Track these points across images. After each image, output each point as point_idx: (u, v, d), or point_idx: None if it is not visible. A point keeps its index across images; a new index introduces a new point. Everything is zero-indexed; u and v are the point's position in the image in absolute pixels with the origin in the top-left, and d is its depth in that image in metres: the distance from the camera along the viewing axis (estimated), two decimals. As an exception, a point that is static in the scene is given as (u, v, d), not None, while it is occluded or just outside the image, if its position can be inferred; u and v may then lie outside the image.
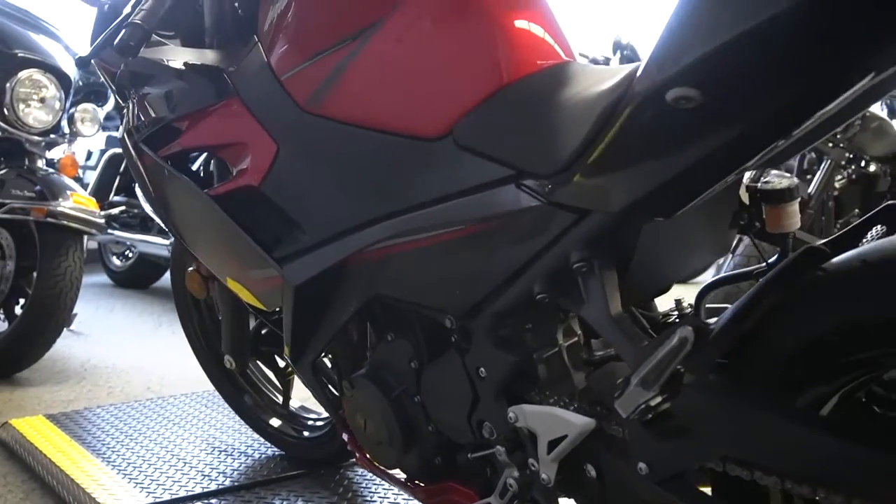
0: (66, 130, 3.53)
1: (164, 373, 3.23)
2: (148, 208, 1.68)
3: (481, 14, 1.25)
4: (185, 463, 2.13)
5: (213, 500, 1.93)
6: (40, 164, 3.35)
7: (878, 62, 0.80)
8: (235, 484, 2.01)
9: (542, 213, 1.11)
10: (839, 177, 4.51)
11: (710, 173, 0.96)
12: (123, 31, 1.33)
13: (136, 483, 2.00)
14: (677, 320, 1.29)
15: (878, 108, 4.51)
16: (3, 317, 3.22)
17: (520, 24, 1.26)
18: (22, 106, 3.24)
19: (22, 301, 3.17)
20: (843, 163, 4.42)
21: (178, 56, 1.51)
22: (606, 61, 5.46)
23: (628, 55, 5.36)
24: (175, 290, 2.18)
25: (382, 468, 1.55)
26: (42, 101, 3.28)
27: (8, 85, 3.20)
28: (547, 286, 1.15)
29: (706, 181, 0.98)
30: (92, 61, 1.58)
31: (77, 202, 3.08)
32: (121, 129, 1.67)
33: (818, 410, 0.99)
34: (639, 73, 0.95)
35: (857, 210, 4.62)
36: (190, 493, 1.95)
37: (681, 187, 0.98)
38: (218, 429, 2.38)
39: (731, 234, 1.22)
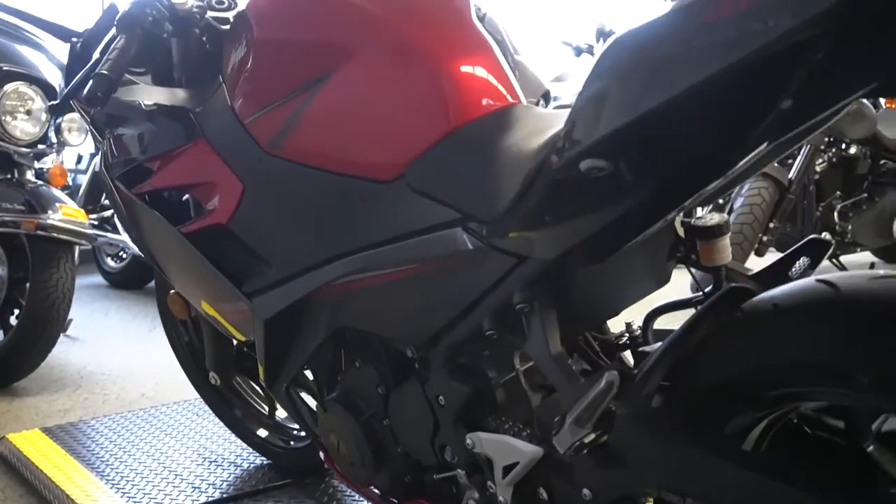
0: (54, 140, 3.57)
1: (158, 377, 3.30)
2: (127, 239, 1.75)
3: (429, 61, 1.31)
4: (176, 475, 2.20)
5: (203, 513, 2.01)
6: (29, 174, 3.40)
7: (769, 134, 0.86)
8: (224, 496, 2.08)
9: (485, 256, 1.17)
10: (819, 160, 4.56)
11: (633, 225, 1.02)
12: (91, 81, 1.38)
13: (129, 497, 2.07)
14: (627, 342, 1.37)
15: (857, 92, 4.54)
16: (-2, 328, 3.29)
17: (466, 68, 1.32)
18: (8, 118, 3.29)
19: (17, 311, 3.23)
20: (822, 147, 4.47)
21: (148, 96, 1.57)
22: (590, 49, 5.50)
23: (612, 41, 5.38)
24: (160, 309, 2.24)
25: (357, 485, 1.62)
26: (28, 112, 3.32)
27: (-7, 98, 3.26)
28: (494, 323, 1.22)
29: (633, 231, 1.04)
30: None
31: (66, 214, 3.14)
32: (98, 162, 1.73)
33: (747, 435, 1.06)
34: (558, 141, 1.01)
35: (838, 193, 4.68)
36: (181, 506, 2.03)
37: (609, 237, 1.04)
38: (208, 438, 2.46)
39: (670, 264, 1.29)
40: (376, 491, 1.60)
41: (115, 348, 3.77)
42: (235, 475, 2.22)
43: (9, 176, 3.42)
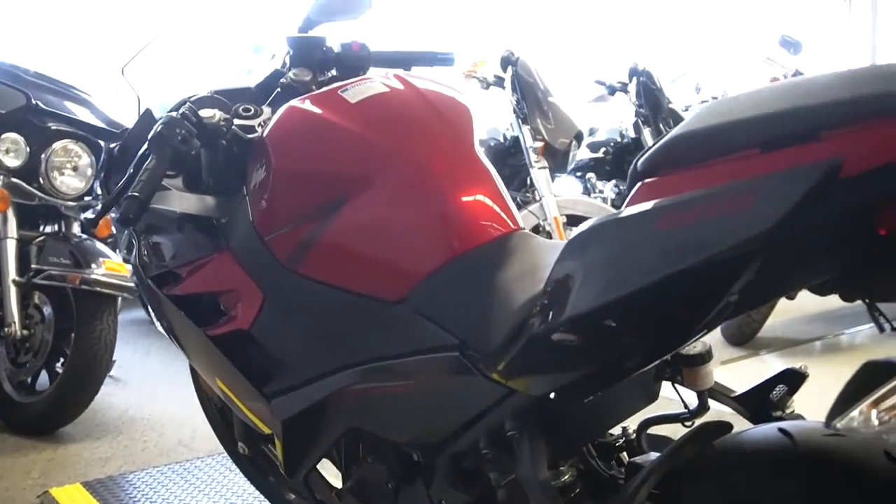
0: (99, 192, 3.73)
1: (195, 423, 3.42)
2: (158, 328, 1.87)
3: (434, 191, 1.41)
4: (209, 536, 2.33)
5: (231, 578, 2.12)
6: (76, 227, 3.57)
7: (725, 313, 0.95)
8: (255, 558, 2.20)
9: (479, 383, 1.26)
10: None
11: (616, 374, 1.11)
12: (124, 203, 1.50)
13: (163, 560, 2.19)
14: (624, 445, 1.45)
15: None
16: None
17: (468, 198, 1.42)
18: (56, 174, 3.45)
19: (62, 360, 3.39)
20: None
21: (178, 204, 1.68)
22: (623, 87, 5.57)
23: (644, 81, 5.45)
24: (192, 374, 2.36)
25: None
26: (75, 169, 3.49)
27: (43, 156, 3.42)
28: (489, 444, 1.31)
29: (617, 377, 1.13)
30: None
31: (109, 268, 3.29)
32: (133, 260, 1.86)
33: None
34: (537, 303, 1.10)
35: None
36: (210, 571, 2.14)
37: (594, 382, 1.14)
38: (239, 496, 2.58)
39: (657, 384, 1.37)
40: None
41: (155, 391, 3.91)
42: (263, 538, 2.33)
43: (56, 228, 3.60)
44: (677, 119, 5.50)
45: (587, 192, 5.76)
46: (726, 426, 1.16)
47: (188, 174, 1.77)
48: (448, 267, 1.36)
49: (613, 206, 5.79)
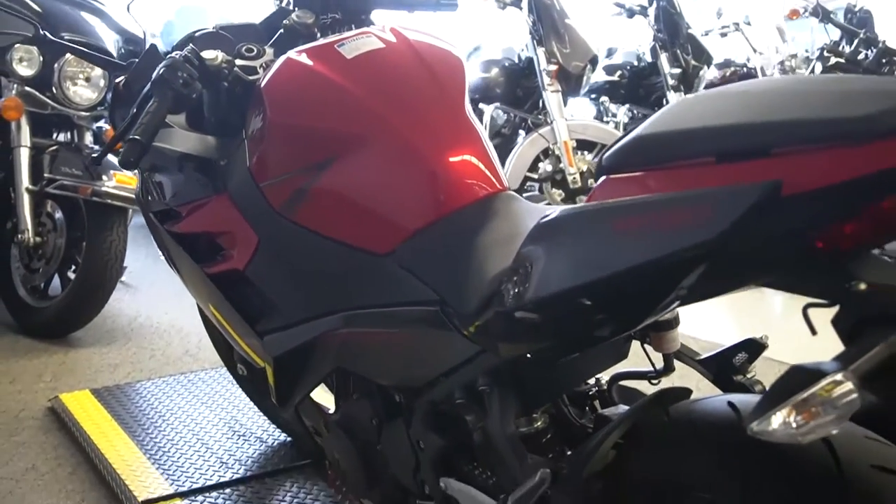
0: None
1: (202, 333, 3.53)
2: (161, 258, 1.95)
3: (423, 151, 1.46)
4: (208, 448, 2.44)
5: (227, 490, 2.24)
6: (88, 137, 3.63)
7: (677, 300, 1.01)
8: (249, 474, 2.31)
9: (455, 339, 1.33)
10: None
11: (582, 343, 1.18)
12: (125, 145, 1.56)
13: (164, 470, 2.31)
14: (595, 393, 1.53)
15: None
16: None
17: (455, 158, 1.47)
18: (69, 84, 3.49)
19: (74, 267, 3.49)
20: None
21: (180, 144, 1.73)
22: (643, 10, 5.50)
23: (664, 6, 5.39)
24: (200, 312, 2.45)
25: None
26: (88, 79, 3.52)
27: (56, 65, 3.45)
28: (463, 395, 1.39)
29: (584, 345, 1.20)
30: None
31: (120, 181, 3.35)
32: (137, 194, 1.92)
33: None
34: (506, 279, 1.16)
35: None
36: (208, 483, 2.26)
37: (562, 349, 1.21)
38: (240, 410, 2.69)
39: (627, 344, 1.44)
40: None
41: (164, 299, 4.02)
42: (260, 451, 2.45)
43: (69, 137, 3.65)
44: (695, 45, 5.44)
45: (600, 115, 5.75)
46: (685, 392, 1.24)
47: (192, 112, 1.81)
48: (434, 226, 1.42)
49: (626, 130, 5.78)
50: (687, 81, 5.32)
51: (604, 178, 1.03)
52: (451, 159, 1.47)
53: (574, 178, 4.83)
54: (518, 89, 5.14)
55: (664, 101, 5.44)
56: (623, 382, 1.52)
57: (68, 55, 3.45)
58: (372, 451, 1.67)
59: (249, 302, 1.67)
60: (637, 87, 5.73)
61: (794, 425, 0.81)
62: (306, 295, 1.58)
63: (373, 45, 1.59)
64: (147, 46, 1.88)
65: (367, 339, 1.52)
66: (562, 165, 4.86)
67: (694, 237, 0.88)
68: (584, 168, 4.90)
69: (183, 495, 2.21)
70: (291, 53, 1.62)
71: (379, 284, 1.46)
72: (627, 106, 5.72)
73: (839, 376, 0.81)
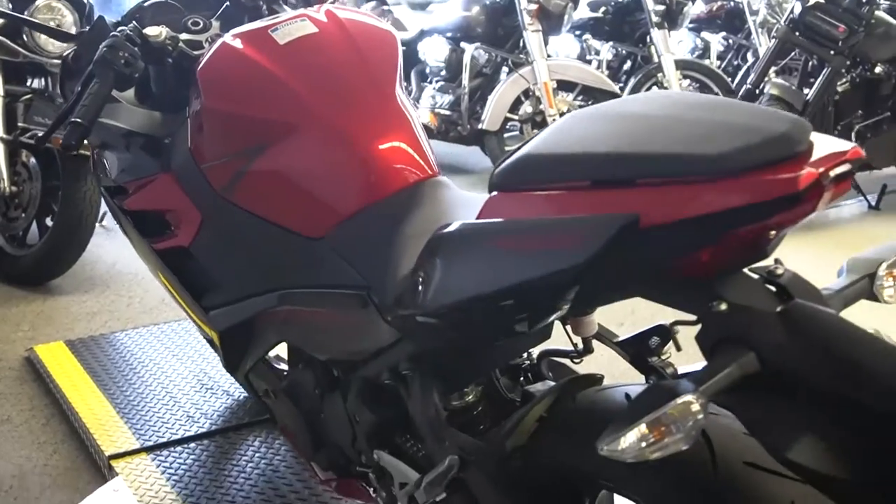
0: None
1: (179, 280, 3.62)
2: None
3: (352, 139, 1.50)
4: (175, 402, 2.52)
5: (191, 445, 2.33)
6: (61, 85, 3.64)
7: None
8: (214, 428, 2.40)
9: (381, 324, 1.39)
10: (842, 81, 4.58)
11: (490, 339, 1.24)
12: (67, 128, 1.59)
13: (132, 425, 2.40)
14: (528, 367, 1.60)
15: (883, 14, 4.53)
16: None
17: (385, 145, 1.51)
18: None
19: (51, 216, 3.53)
20: (843, 70, 4.49)
21: (126, 120, 1.77)
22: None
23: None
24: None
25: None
26: (59, 27, 3.51)
27: (26, 13, 3.45)
28: (391, 376, 1.45)
29: (495, 339, 1.26)
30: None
31: (93, 131, 3.37)
32: (91, 168, 1.96)
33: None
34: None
35: (859, 112, 4.72)
36: (174, 437, 2.34)
37: (474, 341, 1.26)
38: (209, 362, 2.76)
39: (550, 325, 1.49)
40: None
41: (144, 244, 4.07)
42: (226, 405, 2.53)
43: (43, 84, 3.66)
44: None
45: (584, 53, 5.71)
46: (595, 380, 1.30)
47: (141, 87, 1.84)
48: (363, 213, 1.47)
49: (609, 68, 5.74)
50: (671, 17, 5.28)
51: (494, 193, 1.08)
52: (380, 146, 1.51)
53: (554, 118, 4.84)
54: (499, 28, 5.11)
55: (648, 39, 5.41)
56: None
57: (38, 1, 3.44)
58: (317, 418, 1.75)
59: (195, 277, 1.73)
60: (621, 24, 5.67)
61: (644, 444, 0.87)
62: (246, 273, 1.63)
63: (306, 29, 1.61)
64: (95, 19, 1.90)
65: (304, 317, 1.58)
66: (542, 107, 4.87)
67: (567, 260, 0.93)
68: (565, 109, 4.91)
69: (149, 450, 2.29)
70: (227, 37, 1.64)
71: (312, 267, 1.52)
72: (611, 43, 5.68)
73: (690, 397, 0.86)
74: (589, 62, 5.59)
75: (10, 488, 2.22)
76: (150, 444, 2.31)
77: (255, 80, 1.58)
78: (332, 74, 1.58)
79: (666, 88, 5.29)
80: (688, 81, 5.44)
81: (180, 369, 2.73)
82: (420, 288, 1.15)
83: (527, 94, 4.93)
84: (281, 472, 2.19)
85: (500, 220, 1.04)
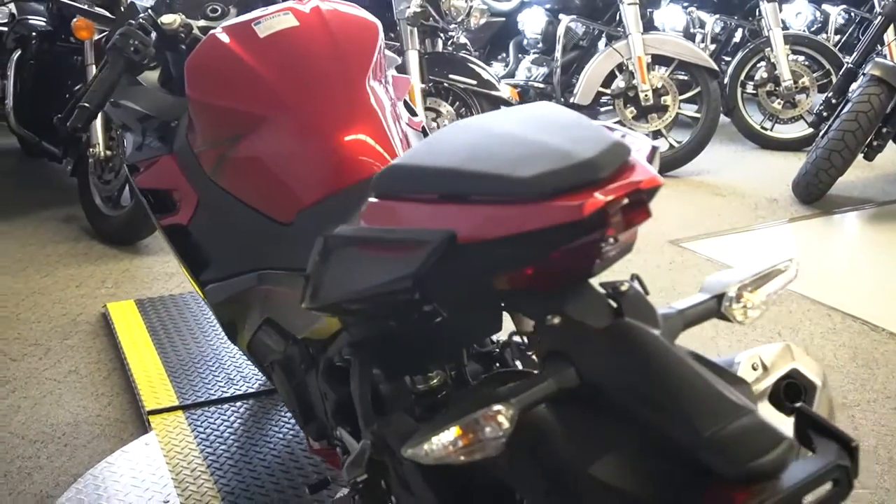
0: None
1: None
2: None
3: (320, 133, 1.57)
4: (220, 364, 2.68)
5: (224, 406, 2.47)
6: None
7: None
8: (249, 391, 2.54)
9: None
10: None
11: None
12: (76, 111, 1.72)
13: (175, 383, 2.57)
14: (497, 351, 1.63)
15: None
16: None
17: (350, 137, 1.56)
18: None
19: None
20: None
21: (142, 102, 1.89)
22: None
23: None
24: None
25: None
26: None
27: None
28: (342, 358, 1.52)
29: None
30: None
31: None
32: (116, 147, 2.11)
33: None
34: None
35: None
36: (211, 398, 2.50)
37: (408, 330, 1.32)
38: (260, 327, 2.91)
39: (499, 316, 1.52)
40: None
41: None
42: (266, 370, 2.66)
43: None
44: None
45: (689, 25, 5.55)
46: (520, 375, 1.33)
47: (163, 71, 1.96)
48: (323, 202, 1.54)
49: (716, 41, 5.57)
50: (784, -12, 5.08)
51: (372, 199, 1.12)
52: (344, 137, 1.57)
53: (646, 94, 4.76)
54: (597, 0, 5.04)
55: (757, 11, 5.22)
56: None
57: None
58: (304, 392, 1.84)
59: (193, 254, 1.85)
60: (731, -5, 5.49)
61: (452, 448, 0.90)
62: (233, 252, 1.74)
63: (287, 23, 1.68)
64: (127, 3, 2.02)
65: (280, 297, 1.66)
66: (635, 82, 4.79)
67: (403, 269, 0.97)
68: (659, 84, 4.81)
69: (185, 408, 2.45)
70: (217, 30, 1.73)
71: (283, 249, 1.60)
72: (718, 16, 5.50)
73: (501, 406, 0.89)
74: (694, 35, 5.44)
75: (63, 435, 2.42)
76: (188, 402, 2.47)
77: (233, 72, 1.66)
78: (304, 67, 1.65)
79: (773, 65, 5.10)
80: (802, 57, 5.23)
81: (230, 333, 2.88)
82: (311, 284, 1.21)
83: (621, 68, 4.86)
84: (301, 441, 2.31)
85: (363, 226, 1.09)
